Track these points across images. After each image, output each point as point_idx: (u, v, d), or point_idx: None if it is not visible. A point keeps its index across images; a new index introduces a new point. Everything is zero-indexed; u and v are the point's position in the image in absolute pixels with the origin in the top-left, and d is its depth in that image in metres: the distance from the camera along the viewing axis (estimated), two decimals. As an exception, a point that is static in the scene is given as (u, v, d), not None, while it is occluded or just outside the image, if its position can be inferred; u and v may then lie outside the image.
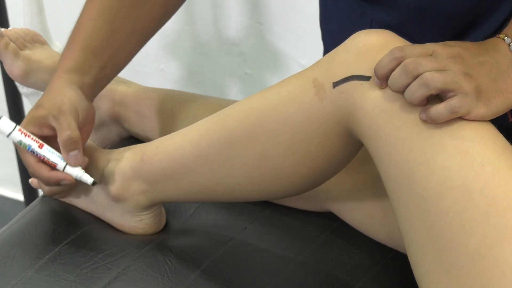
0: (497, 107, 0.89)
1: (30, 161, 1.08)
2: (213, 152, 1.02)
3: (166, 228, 1.15)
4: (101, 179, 1.11)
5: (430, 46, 0.91)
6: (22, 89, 1.64)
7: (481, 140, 0.88)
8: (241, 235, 1.14)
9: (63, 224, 1.13)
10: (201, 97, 1.30)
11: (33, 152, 1.07)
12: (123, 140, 1.34)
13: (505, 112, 0.91)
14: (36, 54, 1.29)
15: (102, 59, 1.11)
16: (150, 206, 1.11)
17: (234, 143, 1.00)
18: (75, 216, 1.14)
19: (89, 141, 1.23)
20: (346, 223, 1.15)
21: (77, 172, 1.08)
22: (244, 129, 1.00)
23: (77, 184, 1.11)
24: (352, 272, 1.10)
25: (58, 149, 1.08)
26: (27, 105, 1.71)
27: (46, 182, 1.09)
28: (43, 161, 1.08)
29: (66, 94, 1.07)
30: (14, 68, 1.26)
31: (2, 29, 1.27)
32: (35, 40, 1.31)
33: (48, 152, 1.07)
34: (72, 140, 1.06)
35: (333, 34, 1.29)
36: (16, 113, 1.74)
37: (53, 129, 1.07)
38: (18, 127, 1.07)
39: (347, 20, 1.23)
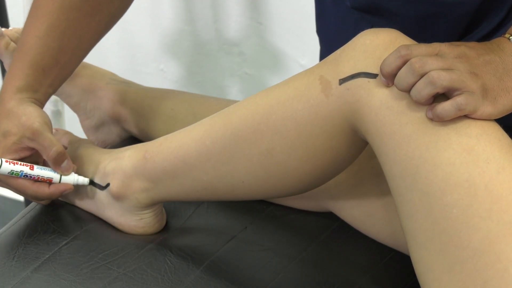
0: (503, 105, 0.89)
1: (27, 185, 1.09)
2: (218, 149, 1.02)
3: (166, 228, 1.15)
4: (102, 178, 1.11)
5: (436, 46, 0.91)
6: (22, 89, 1.64)
7: (486, 138, 0.88)
8: (241, 235, 1.14)
9: (63, 224, 1.13)
10: (201, 97, 1.30)
11: (26, 176, 1.08)
12: (123, 140, 1.34)
13: (511, 111, 0.91)
14: (36, 54, 1.29)
15: (51, 76, 1.12)
16: (151, 204, 1.11)
17: (239, 139, 1.01)
18: (75, 216, 1.14)
19: (90, 141, 1.23)
20: (346, 222, 1.16)
21: (73, 178, 1.10)
22: (250, 125, 1.00)
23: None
24: (352, 272, 1.10)
25: (41, 165, 1.11)
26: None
27: (49, 197, 1.12)
28: (38, 180, 1.09)
29: (29, 112, 1.08)
30: (15, 68, 1.26)
31: (3, 29, 1.27)
32: (35, 40, 1.31)
33: (40, 170, 1.09)
34: (61, 153, 1.08)
35: (330, 37, 1.30)
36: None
37: (30, 150, 1.09)
38: (3, 159, 1.08)
39: (346, 23, 1.23)
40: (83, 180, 1.11)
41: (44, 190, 1.10)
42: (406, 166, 0.90)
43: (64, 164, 1.09)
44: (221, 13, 1.73)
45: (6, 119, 1.09)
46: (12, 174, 1.08)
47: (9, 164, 1.07)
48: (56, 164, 1.09)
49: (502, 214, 0.85)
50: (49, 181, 1.10)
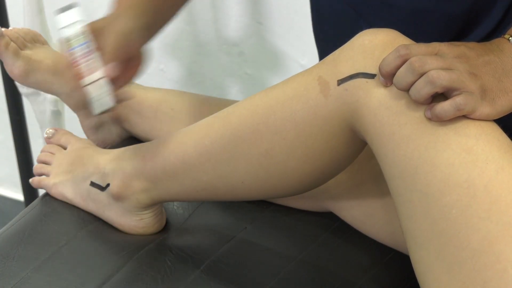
0: (502, 106, 0.89)
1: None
2: (217, 149, 1.02)
3: (166, 228, 1.16)
4: (102, 178, 1.11)
5: (435, 45, 0.91)
6: (22, 89, 1.64)
7: (485, 138, 0.88)
8: (241, 235, 1.14)
9: (63, 224, 1.13)
10: (201, 97, 1.30)
11: (81, 46, 1.02)
12: (124, 140, 1.34)
13: (510, 112, 0.91)
14: (36, 54, 1.29)
15: (151, 12, 1.07)
16: (151, 205, 1.11)
17: (238, 140, 1.01)
18: (75, 216, 1.14)
19: (90, 141, 1.23)
20: (347, 222, 1.16)
21: (96, 93, 1.01)
22: (249, 126, 1.00)
23: (77, 183, 1.12)
24: (352, 272, 1.10)
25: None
26: (27, 105, 1.71)
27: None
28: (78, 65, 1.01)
29: (117, 19, 1.03)
30: (15, 68, 1.26)
31: (3, 29, 1.27)
32: (36, 40, 1.31)
33: (96, 61, 1.01)
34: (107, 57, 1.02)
35: (327, 38, 1.29)
36: (16, 113, 1.73)
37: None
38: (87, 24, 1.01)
39: (342, 24, 1.23)
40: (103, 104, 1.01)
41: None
42: (405, 166, 0.90)
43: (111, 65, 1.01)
44: (221, 13, 1.73)
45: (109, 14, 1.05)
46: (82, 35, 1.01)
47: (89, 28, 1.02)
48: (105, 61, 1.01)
49: (501, 215, 0.85)
50: (81, 75, 1.01)
